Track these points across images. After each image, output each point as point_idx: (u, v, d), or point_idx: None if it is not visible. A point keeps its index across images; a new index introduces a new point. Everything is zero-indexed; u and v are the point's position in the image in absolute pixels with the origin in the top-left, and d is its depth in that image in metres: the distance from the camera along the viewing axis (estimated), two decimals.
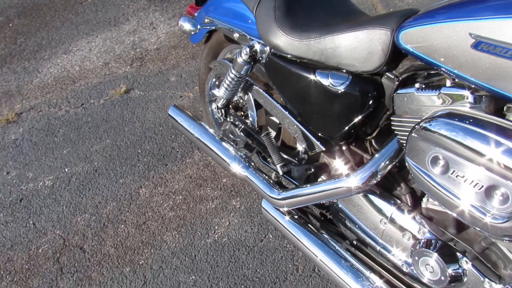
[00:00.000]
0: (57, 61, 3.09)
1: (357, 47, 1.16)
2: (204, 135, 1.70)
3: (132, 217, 2.01)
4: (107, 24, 3.44)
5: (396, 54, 1.11)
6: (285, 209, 1.48)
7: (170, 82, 2.81)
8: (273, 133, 1.74)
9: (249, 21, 1.50)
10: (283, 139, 1.70)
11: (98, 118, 2.57)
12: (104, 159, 2.31)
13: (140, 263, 1.83)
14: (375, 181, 1.21)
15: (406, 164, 1.05)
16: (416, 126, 1.01)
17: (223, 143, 1.65)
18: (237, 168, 1.57)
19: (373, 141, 1.30)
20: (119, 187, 2.15)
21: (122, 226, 1.98)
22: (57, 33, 3.39)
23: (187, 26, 1.68)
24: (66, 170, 2.26)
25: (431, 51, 0.98)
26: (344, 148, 1.36)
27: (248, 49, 1.44)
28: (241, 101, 1.79)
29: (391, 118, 1.15)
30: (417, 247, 1.15)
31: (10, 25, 3.55)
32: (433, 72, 1.10)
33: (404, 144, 1.06)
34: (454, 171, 0.93)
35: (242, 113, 1.83)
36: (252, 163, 1.58)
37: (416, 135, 1.00)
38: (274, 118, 1.67)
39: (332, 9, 1.40)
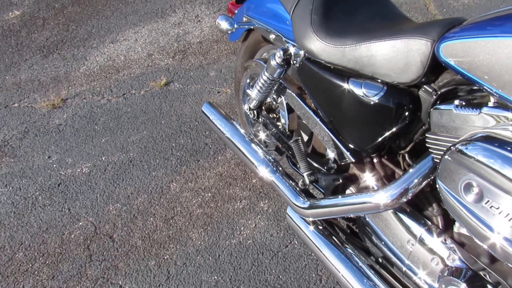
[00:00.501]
0: (104, 50, 3.17)
1: (394, 56, 1.09)
2: (234, 135, 1.68)
3: (161, 211, 2.04)
4: (154, 15, 3.48)
5: (436, 67, 1.03)
6: (310, 219, 1.43)
7: (209, 77, 2.81)
8: (304, 138, 1.69)
9: (287, 23, 1.46)
10: (314, 145, 1.65)
11: (137, 109, 2.61)
12: (140, 150, 2.34)
13: (165, 257, 1.85)
14: (405, 199, 1.14)
15: (437, 186, 0.98)
16: (452, 148, 0.93)
17: (253, 145, 1.62)
18: (264, 172, 1.54)
19: (406, 156, 1.23)
20: (151, 179, 2.18)
21: (151, 219, 2.01)
22: (107, 22, 3.47)
23: (224, 25, 1.66)
24: (103, 158, 2.32)
25: (473, 67, 0.90)
26: (375, 160, 1.29)
27: (282, 52, 1.40)
28: (274, 103, 1.75)
29: (426, 135, 1.08)
30: (445, 274, 1.08)
31: (64, 12, 3.67)
32: (475, 88, 1.01)
33: (438, 164, 0.99)
34: (488, 201, 0.85)
35: (275, 115, 1.79)
36: (280, 168, 1.54)
37: (450, 158, 0.92)
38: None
39: (373, 13, 1.33)
